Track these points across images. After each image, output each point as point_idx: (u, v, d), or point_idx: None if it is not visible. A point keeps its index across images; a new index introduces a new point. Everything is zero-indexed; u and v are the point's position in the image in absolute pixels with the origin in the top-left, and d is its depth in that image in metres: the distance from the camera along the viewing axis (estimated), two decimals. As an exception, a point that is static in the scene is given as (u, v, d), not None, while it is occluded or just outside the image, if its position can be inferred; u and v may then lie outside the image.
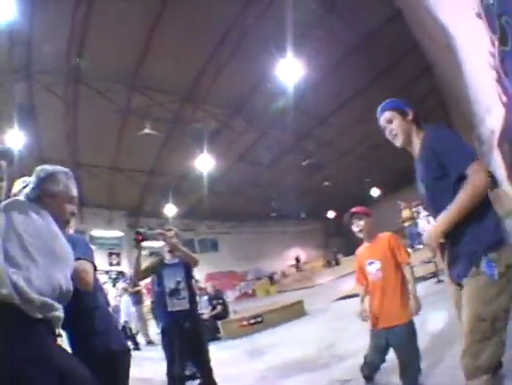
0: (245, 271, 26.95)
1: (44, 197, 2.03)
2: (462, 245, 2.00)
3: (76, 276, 2.04)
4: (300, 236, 30.42)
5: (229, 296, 23.92)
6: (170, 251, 4.33)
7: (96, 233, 19.93)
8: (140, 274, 4.32)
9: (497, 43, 4.03)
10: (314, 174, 19.39)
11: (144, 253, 4.47)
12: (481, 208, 1.96)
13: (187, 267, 4.32)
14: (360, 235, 3.51)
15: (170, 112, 13.36)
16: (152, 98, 12.49)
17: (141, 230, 4.10)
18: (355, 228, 3.48)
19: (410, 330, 3.18)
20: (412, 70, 13.32)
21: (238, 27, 10.50)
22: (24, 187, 2.18)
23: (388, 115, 2.36)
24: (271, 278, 27.20)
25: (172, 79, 12.14)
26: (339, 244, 28.96)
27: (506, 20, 3.41)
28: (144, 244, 4.11)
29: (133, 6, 9.42)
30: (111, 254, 20.53)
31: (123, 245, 21.16)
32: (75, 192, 2.16)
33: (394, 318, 3.20)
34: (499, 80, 4.75)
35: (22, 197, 2.03)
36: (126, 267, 20.28)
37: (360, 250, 3.61)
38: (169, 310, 4.14)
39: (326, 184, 23.02)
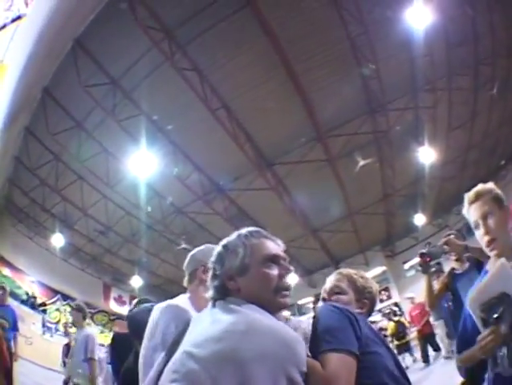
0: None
1: (228, 282, 1.42)
2: None
3: None
4: None
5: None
6: (457, 259, 3.65)
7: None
8: (433, 301, 3.95)
9: None
10: None
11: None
12: None
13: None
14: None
15: (366, 135, 13.05)
16: (340, 132, 12.59)
17: (424, 251, 3.65)
18: None
19: None
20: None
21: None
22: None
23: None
24: None
25: (345, 108, 12.13)
26: None
27: None
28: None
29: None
30: (379, 292, 20.35)
31: (388, 277, 21.21)
32: (271, 246, 1.49)
33: None
34: None
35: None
36: (397, 297, 19.91)
37: None
38: None
39: None
